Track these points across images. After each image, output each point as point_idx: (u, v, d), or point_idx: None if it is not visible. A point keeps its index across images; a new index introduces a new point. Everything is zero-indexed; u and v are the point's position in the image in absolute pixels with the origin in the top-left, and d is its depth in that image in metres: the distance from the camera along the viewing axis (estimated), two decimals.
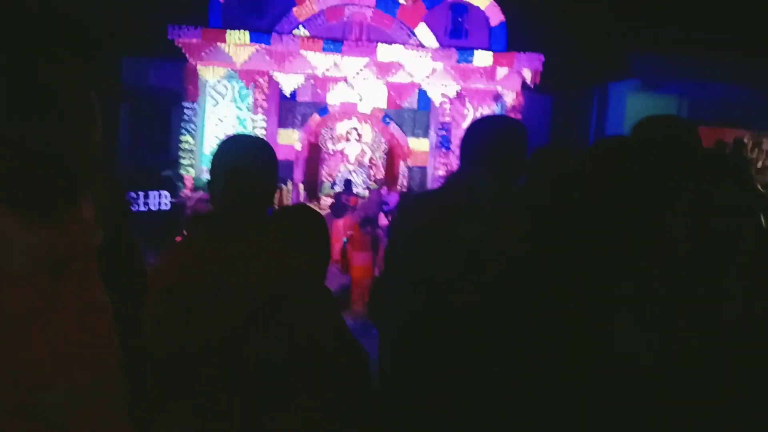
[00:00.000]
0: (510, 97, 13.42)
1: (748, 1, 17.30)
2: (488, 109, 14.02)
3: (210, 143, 13.69)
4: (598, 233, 2.04)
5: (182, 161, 13.22)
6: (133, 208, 12.01)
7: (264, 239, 1.89)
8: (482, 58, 12.94)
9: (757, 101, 14.61)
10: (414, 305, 2.30)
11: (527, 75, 13.08)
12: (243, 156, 1.89)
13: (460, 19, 13.26)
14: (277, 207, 12.39)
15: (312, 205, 14.45)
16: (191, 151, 13.29)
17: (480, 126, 2.51)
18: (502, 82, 13.26)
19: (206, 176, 13.14)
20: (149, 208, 12.15)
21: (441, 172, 13.68)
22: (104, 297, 1.32)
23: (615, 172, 2.14)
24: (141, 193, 12.01)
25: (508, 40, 13.28)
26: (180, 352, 1.72)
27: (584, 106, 17.90)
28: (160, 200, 12.26)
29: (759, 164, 15.31)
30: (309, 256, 2.11)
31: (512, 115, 13.40)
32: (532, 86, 13.22)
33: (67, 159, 1.21)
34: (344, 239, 11.90)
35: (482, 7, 13.20)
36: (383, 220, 12.35)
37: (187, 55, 12.87)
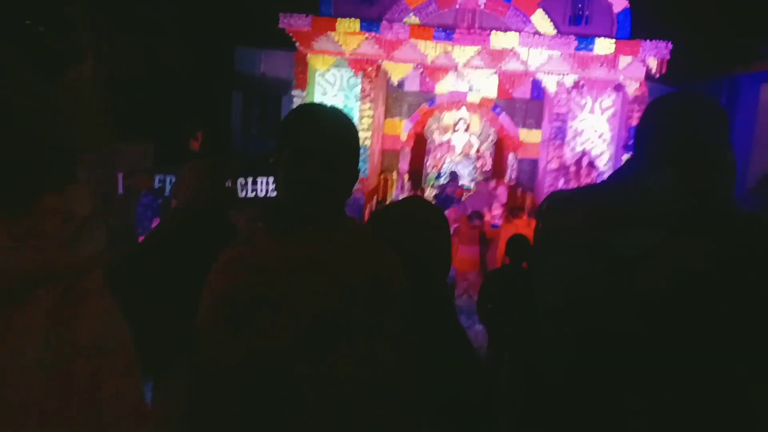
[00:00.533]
0: (632, 88, 12.52)
1: None
2: (609, 100, 13.18)
3: None
4: None
5: None
6: (240, 194, 12.26)
7: (349, 233, 1.55)
8: (604, 45, 12.14)
9: None
10: (563, 340, 1.85)
11: (653, 64, 12.15)
12: (319, 130, 1.53)
13: (580, 5, 12.48)
14: (381, 198, 12.23)
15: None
16: None
17: (668, 105, 1.88)
18: (624, 71, 12.39)
19: None
20: (257, 194, 12.31)
21: (554, 165, 13.00)
22: (114, 331, 0.94)
23: None
24: (249, 179, 12.19)
25: (632, 28, 12.39)
26: (232, 369, 1.43)
27: (712, 97, 16.59)
28: (269, 186, 12.38)
29: None
30: (418, 262, 1.75)
31: (635, 107, 12.55)
32: (657, 76, 12.28)
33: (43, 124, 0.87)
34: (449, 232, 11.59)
35: None
36: (492, 213, 11.86)
37: (297, 44, 12.88)
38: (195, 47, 18.38)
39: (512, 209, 10.08)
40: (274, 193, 12.06)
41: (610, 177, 1.94)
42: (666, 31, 12.47)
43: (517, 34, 12.43)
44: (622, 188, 1.82)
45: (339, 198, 1.58)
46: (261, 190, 12.34)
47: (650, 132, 1.84)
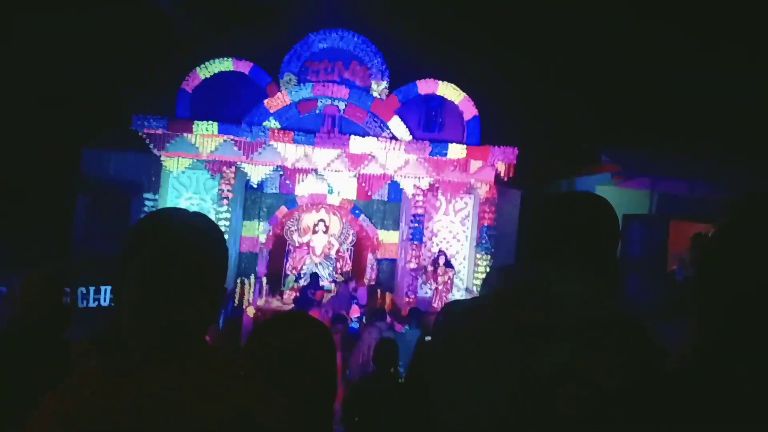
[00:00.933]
0: (483, 190, 13.21)
1: (722, 97, 17.96)
2: (462, 202, 13.78)
3: None
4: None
5: None
6: (81, 304, 11.17)
7: (209, 371, 1.26)
8: (456, 150, 12.80)
9: (727, 195, 14.73)
10: None
11: (501, 168, 12.95)
12: (173, 244, 1.24)
13: (433, 113, 13.18)
14: (237, 304, 11.53)
15: (275, 300, 13.69)
16: None
17: (562, 202, 1.86)
18: (475, 174, 13.08)
19: None
20: (99, 304, 11.31)
21: (413, 265, 13.19)
22: None
23: None
24: (92, 288, 11.21)
25: (481, 134, 13.22)
26: None
27: None
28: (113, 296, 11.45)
29: None
30: (299, 398, 1.50)
31: (486, 208, 13.19)
32: (506, 179, 13.06)
33: None
34: None
35: (456, 102, 13.17)
36: (353, 313, 11.70)
37: (151, 146, 12.39)
38: (36, 149, 17.22)
39: (374, 311, 9.98)
40: None
41: (505, 281, 1.78)
42: (514, 137, 13.41)
43: (375, 138, 12.80)
44: (524, 296, 1.65)
45: (195, 327, 1.28)
46: (104, 300, 11.43)
47: (549, 228, 1.77)
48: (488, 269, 13.18)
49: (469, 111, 13.18)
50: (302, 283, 15.69)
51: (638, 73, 19.31)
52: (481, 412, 1.61)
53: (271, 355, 1.62)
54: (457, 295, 13.57)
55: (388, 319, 10.62)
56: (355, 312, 10.97)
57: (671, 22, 18.29)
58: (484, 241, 13.23)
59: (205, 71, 12.60)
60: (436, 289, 13.17)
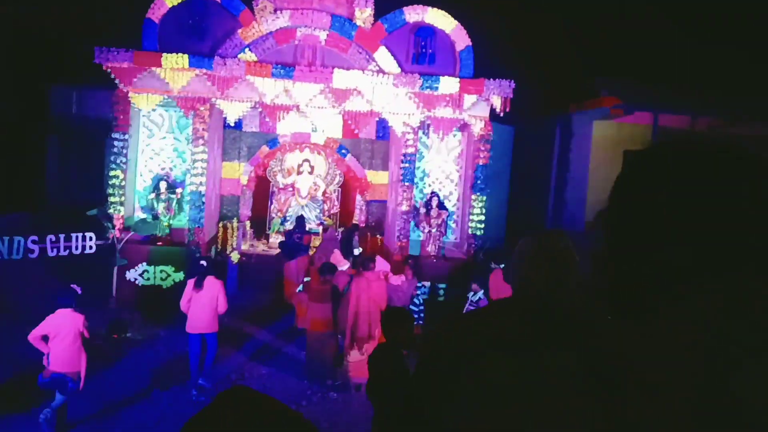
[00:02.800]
0: (478, 127, 12.34)
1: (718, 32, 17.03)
2: (454, 140, 12.93)
3: (144, 178, 12.17)
4: None
5: (111, 198, 11.63)
6: (51, 253, 10.46)
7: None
8: (448, 84, 11.86)
9: (725, 133, 14.00)
10: None
11: (497, 102, 12.05)
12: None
13: (423, 44, 12.16)
14: (221, 249, 10.80)
15: (261, 244, 13.00)
16: (122, 187, 11.72)
17: (694, 164, 1.09)
18: (469, 110, 12.18)
19: (139, 214, 11.87)
20: (70, 252, 10.58)
21: (404, 207, 12.44)
22: None
23: None
24: (62, 236, 10.46)
25: (474, 67, 12.25)
26: None
27: (547, 135, 17.13)
28: (84, 243, 10.70)
29: None
30: None
31: (480, 146, 12.37)
32: (501, 114, 12.19)
33: None
34: (299, 286, 10.53)
35: (447, 31, 12.15)
36: (338, 263, 11.02)
37: (117, 81, 11.37)
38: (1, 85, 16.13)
39: (362, 261, 9.29)
40: (91, 250, 10.41)
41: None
42: (505, 70, 12.47)
43: (361, 72, 11.83)
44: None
45: None
46: (75, 248, 10.68)
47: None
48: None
49: (462, 41, 12.18)
50: (288, 226, 14.99)
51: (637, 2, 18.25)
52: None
53: None
54: (451, 237, 12.90)
55: (379, 268, 9.94)
56: (338, 260, 10.25)
57: None
58: (478, 182, 12.45)
59: None
60: (429, 232, 12.46)
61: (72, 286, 6.90)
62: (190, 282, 8.20)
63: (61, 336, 6.39)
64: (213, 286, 8.10)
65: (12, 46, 16.84)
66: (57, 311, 6.52)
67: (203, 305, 8.03)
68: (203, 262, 8.51)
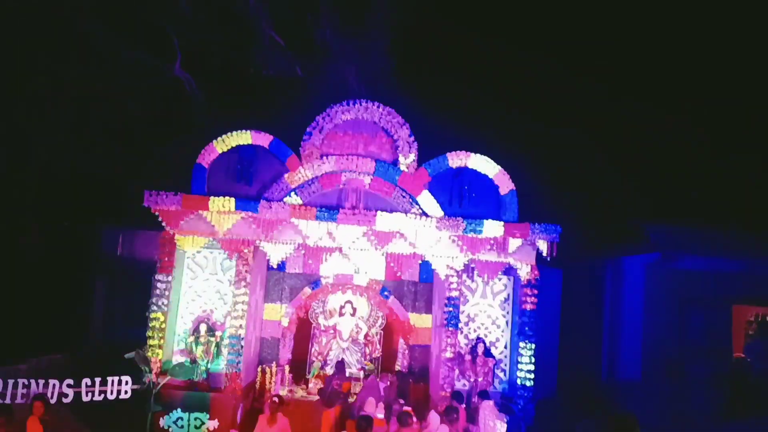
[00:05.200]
0: (524, 271, 12.00)
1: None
2: (500, 284, 12.55)
3: (185, 320, 12.04)
4: None
5: (150, 341, 11.47)
6: (86, 398, 10.17)
7: None
8: (492, 227, 11.71)
9: None
10: None
11: (543, 247, 11.77)
12: None
13: (466, 188, 12.19)
14: (258, 395, 10.47)
15: (299, 389, 12.56)
16: (161, 329, 11.59)
17: None
18: (514, 254, 11.92)
19: (177, 358, 11.61)
20: (105, 397, 10.27)
21: (448, 354, 11.90)
22: None
23: None
24: (97, 380, 10.21)
25: (519, 210, 12.14)
26: None
27: (597, 279, 16.62)
28: (120, 387, 10.41)
29: None
30: None
31: (527, 291, 11.95)
32: (548, 259, 11.87)
33: None
34: None
35: (491, 176, 12.18)
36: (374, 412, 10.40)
37: (164, 224, 11.59)
38: (51, 229, 16.73)
39: (400, 416, 8.74)
40: (126, 395, 10.09)
41: None
42: (549, 212, 12.32)
43: (404, 215, 11.82)
44: None
45: None
46: (111, 392, 10.37)
47: None
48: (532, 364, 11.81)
49: (505, 185, 12.16)
50: (328, 370, 14.49)
51: (685, 144, 18.25)
52: None
53: None
54: (499, 387, 12.18)
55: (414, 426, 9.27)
56: (374, 410, 9.67)
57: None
58: (526, 328, 11.91)
59: (222, 145, 11.90)
60: (475, 381, 11.80)
61: None
62: (263, 417, 9.31)
63: None
64: (282, 420, 9.30)
65: (61, 187, 17.58)
66: None
67: None
68: (276, 399, 9.62)
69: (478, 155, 12.22)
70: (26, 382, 9.44)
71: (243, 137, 12.00)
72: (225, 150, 11.93)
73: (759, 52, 17.37)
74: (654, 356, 13.05)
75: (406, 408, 9.90)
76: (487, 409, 10.82)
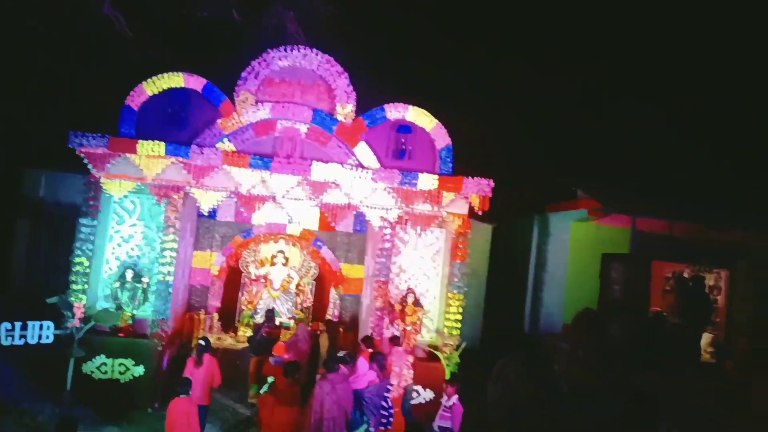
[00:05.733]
0: (456, 224, 12.21)
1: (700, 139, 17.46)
2: (432, 236, 12.73)
3: (111, 266, 11.71)
4: None
5: (74, 286, 11.14)
6: (5, 341, 9.84)
7: None
8: (427, 180, 11.81)
9: (701, 238, 14.03)
10: None
11: (475, 201, 11.98)
12: None
13: (402, 140, 12.20)
14: (186, 341, 10.43)
15: (228, 338, 12.55)
16: (86, 274, 11.26)
17: None
18: (447, 207, 12.09)
19: (102, 303, 11.32)
20: (26, 342, 9.96)
21: (379, 303, 12.07)
22: None
23: None
24: (18, 324, 9.87)
25: (453, 165, 12.27)
26: None
27: (524, 235, 17.10)
28: (41, 332, 10.09)
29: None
30: None
31: (459, 243, 12.20)
32: (480, 213, 12.10)
33: None
34: (263, 386, 9.90)
35: (427, 129, 12.22)
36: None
37: (90, 166, 11.14)
38: None
39: (326, 362, 8.94)
40: (48, 340, 9.84)
41: None
42: (484, 170, 12.50)
43: (340, 165, 11.76)
44: None
45: None
46: (32, 337, 10.07)
47: None
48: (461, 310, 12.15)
49: (442, 139, 12.24)
50: (258, 319, 14.47)
51: (616, 107, 18.76)
52: None
53: None
54: (426, 336, 12.47)
55: (362, 371, 9.47)
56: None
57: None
58: (456, 279, 12.18)
59: (153, 87, 11.43)
60: (404, 329, 12.04)
61: None
62: (191, 359, 9.36)
63: None
64: (211, 362, 9.33)
65: None
66: None
67: (201, 381, 9.04)
68: (202, 342, 9.65)
69: (416, 108, 12.20)
70: None
71: (175, 80, 11.56)
72: (156, 92, 11.47)
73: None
74: (575, 309, 13.61)
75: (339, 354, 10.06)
76: (397, 355, 11.14)
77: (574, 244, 15.24)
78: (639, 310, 12.45)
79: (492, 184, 11.94)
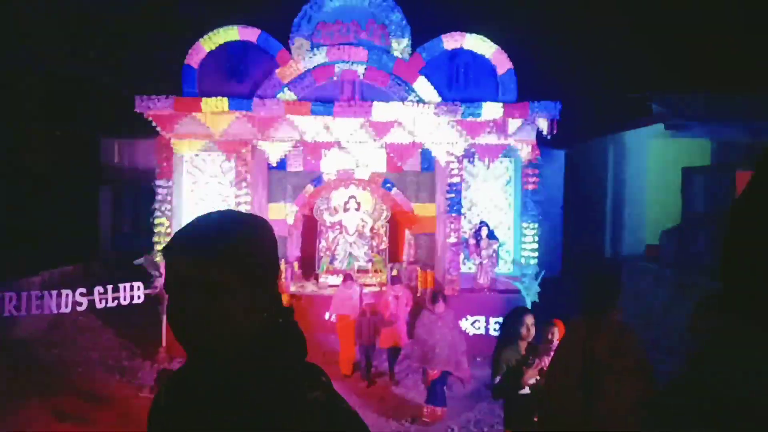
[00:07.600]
0: (525, 152, 11.91)
1: None
2: (501, 167, 12.49)
3: None
4: None
5: (157, 247, 11.62)
6: (99, 305, 10.44)
7: None
8: (491, 110, 11.50)
9: None
10: None
11: (543, 125, 11.61)
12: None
13: (462, 70, 11.88)
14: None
15: (310, 284, 12.84)
16: (167, 234, 11.71)
17: None
18: (514, 135, 11.78)
19: None
20: (119, 303, 10.54)
21: (452, 239, 12.03)
22: None
23: None
24: (110, 287, 10.44)
25: (518, 90, 11.89)
26: None
27: (600, 156, 16.52)
28: (132, 293, 10.64)
29: None
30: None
31: (529, 171, 11.91)
32: (549, 137, 11.74)
33: None
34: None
35: (487, 56, 11.85)
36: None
37: (158, 129, 11.45)
38: (52, 140, 16.58)
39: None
40: (139, 300, 10.35)
41: None
42: (551, 92, 12.07)
43: (401, 103, 11.62)
44: None
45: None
46: (124, 298, 10.63)
47: None
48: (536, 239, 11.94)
49: (503, 64, 11.85)
50: (336, 265, 14.74)
51: (688, 9, 17.58)
52: None
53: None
54: (504, 268, 12.38)
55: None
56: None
57: None
58: (529, 209, 11.96)
59: (210, 43, 11.56)
60: (480, 264, 11.99)
61: None
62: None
63: None
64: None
65: (55, 99, 17.33)
66: None
67: None
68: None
69: (473, 35, 11.83)
70: (39, 294, 9.63)
71: (230, 33, 11.64)
72: (213, 48, 11.60)
73: None
74: (658, 228, 13.15)
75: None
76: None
77: (652, 161, 14.60)
78: (723, 224, 11.89)
79: (560, 106, 11.52)
